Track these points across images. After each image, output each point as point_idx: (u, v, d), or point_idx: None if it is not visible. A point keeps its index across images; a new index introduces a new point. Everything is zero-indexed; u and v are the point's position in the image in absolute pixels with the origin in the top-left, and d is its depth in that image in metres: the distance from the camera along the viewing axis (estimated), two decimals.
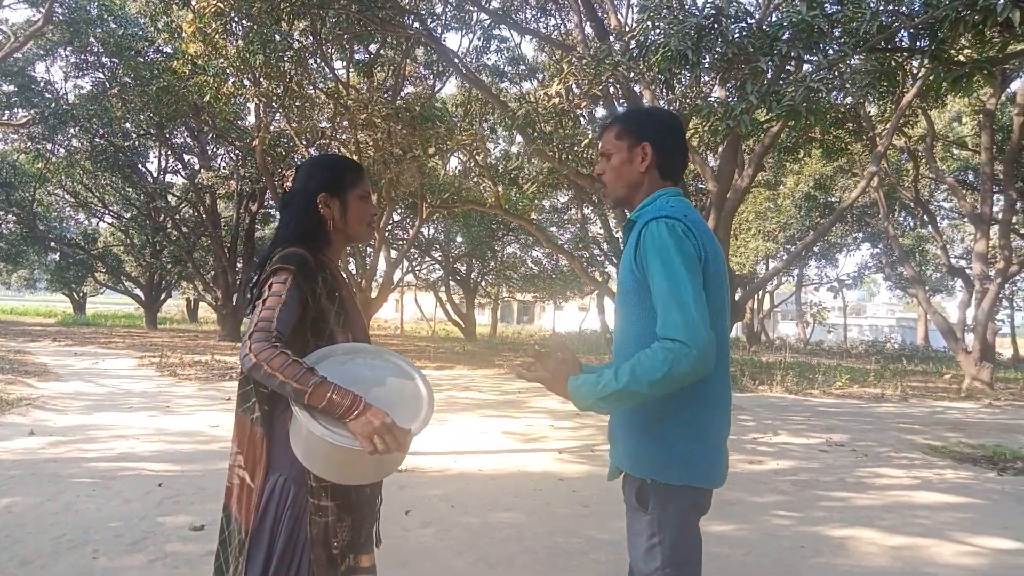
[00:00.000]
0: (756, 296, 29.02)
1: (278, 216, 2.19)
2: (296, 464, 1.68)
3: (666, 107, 8.79)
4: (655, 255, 1.65)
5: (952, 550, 4.13)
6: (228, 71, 12.33)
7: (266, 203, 22.91)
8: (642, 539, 1.76)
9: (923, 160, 17.65)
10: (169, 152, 23.51)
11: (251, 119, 20.41)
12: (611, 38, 9.03)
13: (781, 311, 46.62)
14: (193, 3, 12.50)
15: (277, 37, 11.81)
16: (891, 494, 5.49)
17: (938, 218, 22.72)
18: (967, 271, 18.43)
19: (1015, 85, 15.84)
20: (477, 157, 13.73)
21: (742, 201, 10.47)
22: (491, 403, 10.00)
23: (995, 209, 15.86)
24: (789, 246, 26.08)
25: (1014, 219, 17.68)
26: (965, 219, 21.14)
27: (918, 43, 5.08)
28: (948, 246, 20.38)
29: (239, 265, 22.13)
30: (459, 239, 26.78)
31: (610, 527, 4.32)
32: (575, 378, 1.71)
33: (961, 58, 5.34)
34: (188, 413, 8.00)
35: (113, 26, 17.02)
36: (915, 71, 6.48)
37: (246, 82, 13.55)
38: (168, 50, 16.65)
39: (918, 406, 11.57)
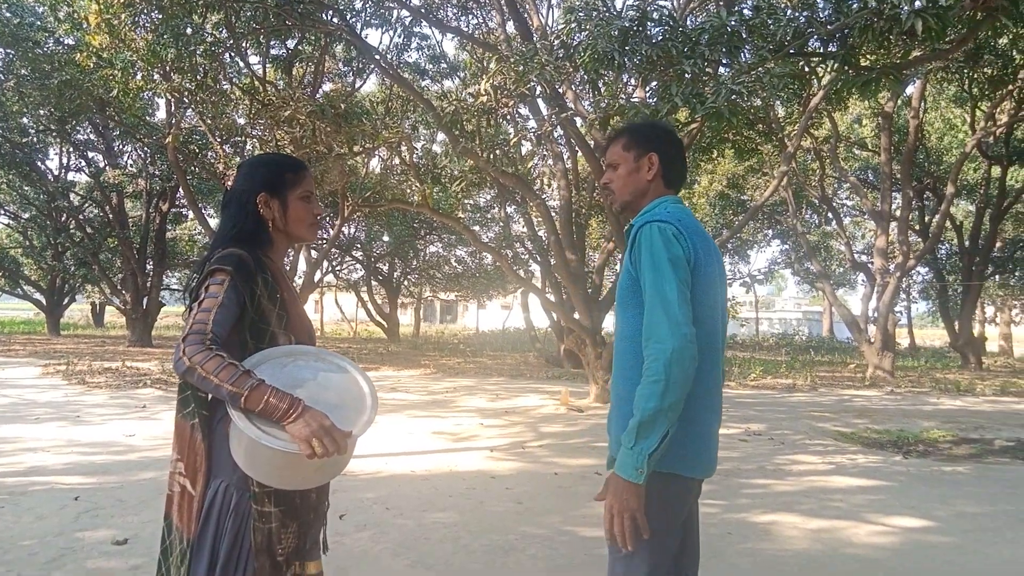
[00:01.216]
0: None
1: (219, 215, 2.11)
2: (238, 470, 1.64)
3: (590, 108, 8.93)
4: (646, 256, 1.75)
5: (867, 530, 4.37)
6: (137, 65, 11.80)
7: (177, 202, 22.05)
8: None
9: (828, 160, 18.52)
10: (72, 149, 22.31)
11: (161, 115, 19.62)
12: (535, 38, 9.10)
13: None
14: None
15: (189, 30, 11.38)
16: (808, 480, 5.76)
17: (841, 215, 23.86)
18: (869, 265, 19.45)
19: (910, 89, 16.84)
20: (403, 155, 13.59)
21: None
22: (419, 403, 9.94)
23: (893, 207, 16.84)
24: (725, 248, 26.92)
25: (911, 216, 18.79)
26: (866, 216, 22.32)
27: (829, 48, 5.35)
28: (851, 242, 21.46)
29: (149, 267, 21.22)
30: (385, 238, 26.44)
31: (544, 523, 4.37)
32: (614, 462, 1.72)
33: (868, 63, 5.66)
34: (100, 423, 7.62)
35: (7, 15, 16.00)
36: (823, 75, 6.81)
37: (156, 76, 12.99)
38: (70, 42, 15.79)
39: (827, 395, 12.16)
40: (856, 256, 20.81)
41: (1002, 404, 11.36)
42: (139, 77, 12.52)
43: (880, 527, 4.46)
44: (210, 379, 1.51)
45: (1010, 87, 15.45)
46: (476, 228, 24.35)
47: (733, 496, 5.11)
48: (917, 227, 20.91)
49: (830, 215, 21.63)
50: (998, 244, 21.76)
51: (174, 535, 1.72)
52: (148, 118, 19.21)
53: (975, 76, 15.53)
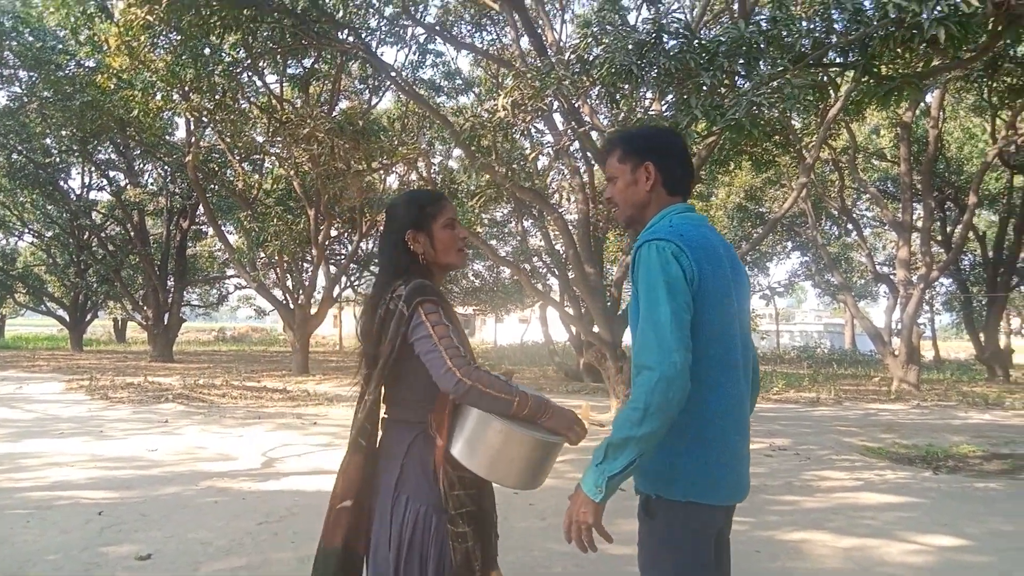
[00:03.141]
0: None
1: (378, 261, 2.30)
2: (434, 492, 1.81)
3: (608, 122, 8.92)
4: (641, 278, 1.70)
5: (900, 549, 4.27)
6: (156, 85, 11.96)
7: (197, 219, 22.29)
8: (644, 551, 1.76)
9: (847, 171, 18.36)
10: (93, 168, 22.62)
11: (180, 134, 19.85)
12: (550, 53, 9.12)
13: None
14: (117, 16, 12.10)
15: (207, 51, 11.53)
16: (837, 496, 5.65)
17: (861, 226, 23.64)
18: (891, 277, 19.22)
19: (928, 98, 16.69)
20: (420, 170, 13.65)
21: None
22: None
23: (915, 217, 16.64)
24: None
25: (932, 227, 18.57)
26: (887, 227, 22.11)
27: (849, 58, 5.30)
28: (872, 253, 21.24)
29: (170, 283, 21.43)
30: None
31: (525, 545, 4.30)
32: (583, 477, 1.69)
33: (889, 72, 5.60)
34: (123, 437, 7.66)
35: (30, 39, 16.30)
36: (842, 86, 6.75)
37: (175, 96, 13.17)
38: (91, 64, 16.04)
39: (852, 409, 11.98)
40: (878, 267, 20.56)
41: None
42: (159, 97, 12.71)
43: (913, 545, 4.35)
44: (488, 392, 1.71)
45: None
46: (493, 242, 24.39)
47: (761, 513, 5.01)
48: (939, 238, 20.66)
49: (850, 226, 21.43)
50: (1022, 255, 21.44)
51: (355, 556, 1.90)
52: (168, 137, 19.45)
53: (994, 85, 15.37)
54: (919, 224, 16.71)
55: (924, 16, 4.23)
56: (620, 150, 1.92)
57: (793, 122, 15.16)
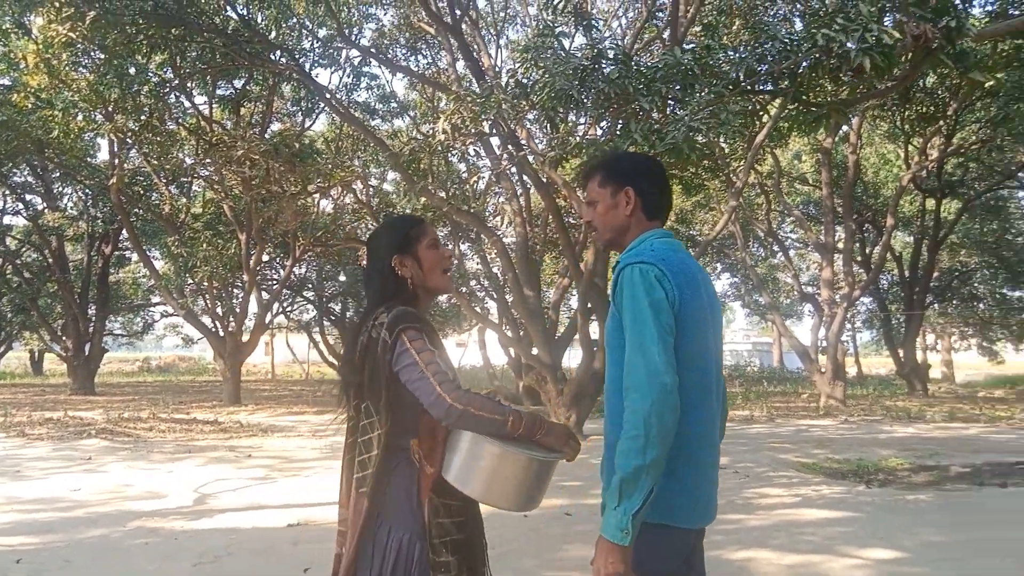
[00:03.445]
0: None
1: (365, 290, 2.21)
2: (418, 520, 1.78)
3: (544, 146, 9.00)
4: (627, 301, 1.70)
5: (842, 564, 4.36)
6: (78, 105, 11.50)
7: (121, 244, 21.43)
8: None
9: (772, 195, 19.03)
10: (8, 192, 21.54)
11: (103, 156, 19.14)
12: (487, 77, 9.18)
13: None
14: (36, 33, 11.62)
15: (133, 70, 11.17)
16: (777, 513, 5.75)
17: (787, 248, 24.48)
18: (816, 296, 19.92)
19: (846, 127, 17.48)
20: (359, 194, 13.48)
21: None
22: None
23: (836, 239, 17.34)
24: None
25: (853, 247, 19.38)
26: (811, 248, 22.94)
27: (779, 86, 5.50)
28: (798, 274, 22.02)
29: (91, 311, 20.49)
30: (342, 278, 26.03)
31: (520, 567, 4.25)
32: (601, 526, 1.66)
33: (816, 100, 5.84)
34: (43, 477, 7.21)
35: None
36: (773, 112, 7.01)
37: (98, 117, 12.70)
38: (6, 82, 15.33)
39: (784, 425, 12.29)
40: (803, 287, 21.32)
41: (952, 430, 11.62)
42: (80, 118, 12.22)
43: (854, 560, 4.45)
44: (481, 415, 1.70)
45: (940, 123, 16.19)
46: None
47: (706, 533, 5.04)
48: (859, 258, 21.56)
49: (776, 248, 22.16)
50: (935, 273, 22.57)
51: None
52: (89, 159, 18.69)
53: (907, 114, 16.24)
54: (841, 245, 17.42)
55: (851, 45, 4.43)
56: (601, 174, 1.95)
57: (722, 146, 15.67)
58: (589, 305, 9.47)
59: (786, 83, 5.40)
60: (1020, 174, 20.10)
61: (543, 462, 1.76)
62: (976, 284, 25.23)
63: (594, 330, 10.69)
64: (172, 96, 13.53)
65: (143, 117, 12.27)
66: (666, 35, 9.73)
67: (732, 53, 5.48)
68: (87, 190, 19.48)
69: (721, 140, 13.85)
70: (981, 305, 25.35)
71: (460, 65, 12.34)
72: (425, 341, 1.80)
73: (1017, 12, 10.18)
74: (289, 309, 29.38)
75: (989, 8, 10.90)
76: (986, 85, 8.84)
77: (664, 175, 2.00)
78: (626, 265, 1.74)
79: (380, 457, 1.81)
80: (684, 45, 7.34)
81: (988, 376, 29.21)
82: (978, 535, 5.01)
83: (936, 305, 24.52)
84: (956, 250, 23.95)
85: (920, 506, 6.01)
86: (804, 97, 5.33)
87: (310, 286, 26.82)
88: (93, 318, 20.38)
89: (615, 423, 1.73)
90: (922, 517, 5.59)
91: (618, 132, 5.47)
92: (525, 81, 6.12)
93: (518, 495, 1.77)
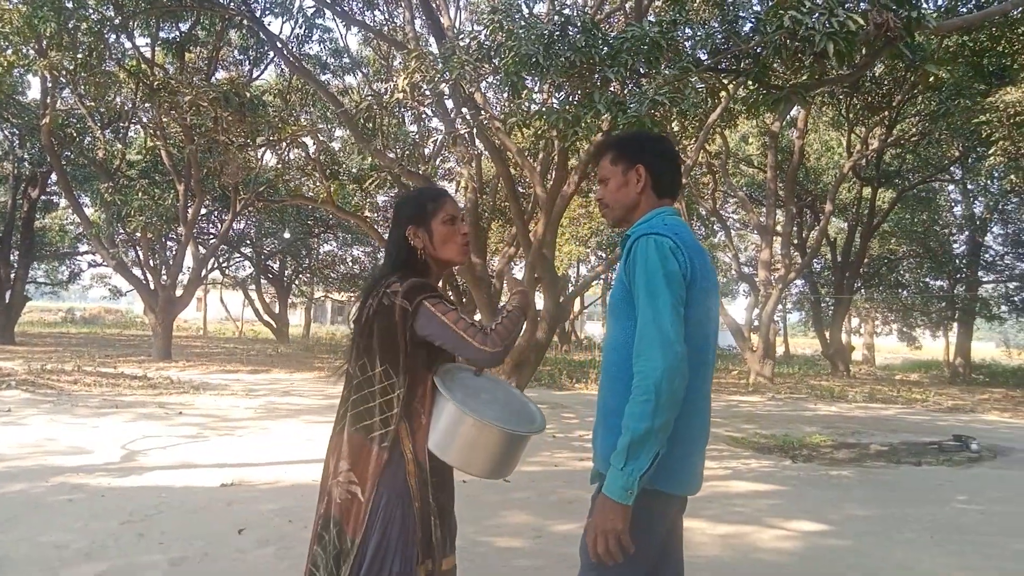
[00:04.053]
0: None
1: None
2: (398, 483, 1.87)
3: (501, 112, 8.90)
4: (641, 270, 1.73)
5: (771, 535, 4.52)
6: (9, 38, 10.78)
7: (49, 188, 20.43)
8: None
9: (719, 175, 19.32)
10: None
11: (34, 94, 18.12)
12: (447, 37, 8.97)
13: (587, 312, 49.18)
14: None
15: (70, 4, 10.52)
16: (709, 485, 5.88)
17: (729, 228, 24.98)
18: (753, 277, 20.44)
19: (795, 111, 17.83)
20: (309, 149, 13.05)
21: (567, 207, 10.91)
22: (314, 408, 9.56)
23: (776, 222, 17.79)
24: (600, 251, 27.51)
25: (792, 231, 19.92)
26: (751, 230, 23.48)
27: (742, 66, 5.54)
28: (737, 254, 22.52)
29: (14, 257, 19.53)
30: (287, 235, 25.38)
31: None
32: (600, 477, 1.74)
33: (778, 82, 5.91)
34: None
35: None
36: (732, 92, 7.07)
37: (30, 52, 11.95)
38: None
39: (715, 400, 12.51)
40: (741, 267, 21.83)
41: (872, 410, 12.16)
42: (10, 52, 11.48)
43: (782, 531, 4.62)
44: (511, 337, 1.89)
45: (883, 114, 16.66)
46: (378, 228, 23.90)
47: None
48: (795, 241, 22.18)
49: (718, 227, 22.58)
50: (865, 260, 23.42)
51: (344, 537, 1.89)
52: (19, 97, 17.65)
53: (854, 102, 16.65)
54: (780, 228, 17.88)
55: (816, 29, 4.48)
56: (613, 152, 1.98)
57: (672, 127, 15.80)
58: (536, 275, 9.46)
59: (749, 63, 5.44)
60: (952, 168, 20.93)
61: (515, 437, 1.88)
62: (902, 272, 26.30)
63: (539, 301, 10.72)
64: (112, 35, 12.82)
65: (80, 55, 11.59)
66: (628, 6, 9.66)
67: (698, 30, 5.47)
68: (15, 129, 18.43)
69: (673, 119, 14.02)
70: (905, 292, 26.46)
71: (418, 24, 12.04)
72: (444, 303, 1.92)
73: (965, 9, 10.50)
74: (225, 265, 28.62)
75: (939, 3, 11.21)
76: (931, 79, 9.10)
77: (675, 154, 2.04)
78: (640, 236, 1.77)
79: (399, 415, 1.90)
80: (649, 18, 7.32)
81: (905, 360, 30.66)
82: (896, 510, 5.25)
83: (864, 290, 25.48)
84: (887, 238, 24.86)
85: (843, 482, 6.27)
86: (765, 79, 5.38)
87: (249, 242, 26.15)
88: (15, 265, 19.44)
89: (613, 388, 1.78)
90: (846, 492, 5.83)
91: (579, 101, 5.42)
92: (488, 44, 6.01)
93: (491, 464, 1.90)
